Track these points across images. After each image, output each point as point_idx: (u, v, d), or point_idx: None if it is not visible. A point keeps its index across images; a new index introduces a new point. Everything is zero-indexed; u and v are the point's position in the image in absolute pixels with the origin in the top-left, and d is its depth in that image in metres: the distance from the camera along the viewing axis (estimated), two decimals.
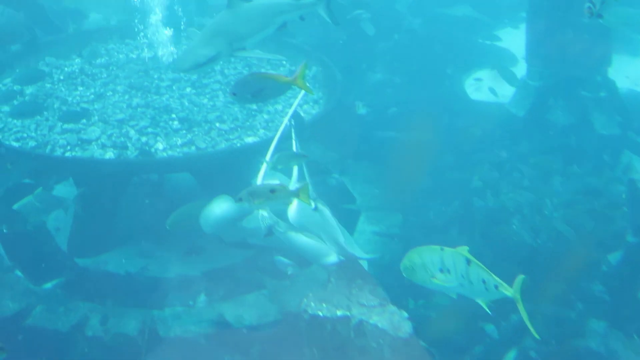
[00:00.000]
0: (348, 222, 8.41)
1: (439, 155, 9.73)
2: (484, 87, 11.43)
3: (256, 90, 6.24)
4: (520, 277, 5.20)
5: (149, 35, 9.67)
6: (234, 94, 6.41)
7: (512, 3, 13.73)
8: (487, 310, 5.34)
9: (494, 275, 5.19)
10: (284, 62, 9.96)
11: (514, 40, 12.65)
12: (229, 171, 8.01)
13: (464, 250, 5.28)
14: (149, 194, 8.65)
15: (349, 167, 9.69)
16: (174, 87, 9.21)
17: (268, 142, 7.95)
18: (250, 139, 8.22)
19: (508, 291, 5.17)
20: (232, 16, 7.16)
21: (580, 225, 8.37)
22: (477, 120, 10.21)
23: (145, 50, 9.99)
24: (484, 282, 5.21)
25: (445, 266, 5.29)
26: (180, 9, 10.24)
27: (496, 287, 5.18)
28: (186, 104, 8.83)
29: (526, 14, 10.70)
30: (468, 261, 5.21)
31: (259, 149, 7.90)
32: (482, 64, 12.26)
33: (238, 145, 8.12)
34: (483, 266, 5.21)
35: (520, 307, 5.20)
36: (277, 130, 8.19)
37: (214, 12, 12.20)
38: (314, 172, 8.14)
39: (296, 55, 9.95)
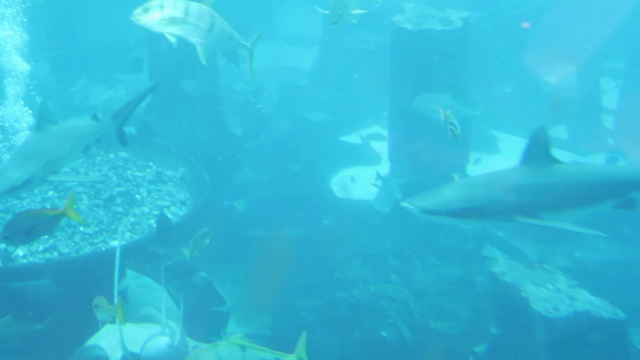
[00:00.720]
0: (217, 324, 8.29)
1: (306, 250, 9.79)
2: (350, 185, 11.68)
3: (29, 228, 6.01)
4: (303, 336, 5.55)
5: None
6: (6, 237, 6.07)
7: (374, 104, 14.22)
8: None
9: (271, 351, 5.52)
10: (151, 164, 9.92)
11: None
12: (94, 276, 7.77)
13: (237, 338, 5.56)
14: (9, 303, 8.26)
15: (218, 268, 9.57)
16: (35, 191, 8.96)
17: (135, 246, 7.84)
18: (116, 243, 8.05)
19: (289, 358, 5.53)
20: (41, 139, 7.02)
21: (453, 316, 8.54)
22: (344, 219, 10.37)
23: None
24: None
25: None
26: None
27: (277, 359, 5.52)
28: (47, 207, 8.60)
29: (388, 117, 11.05)
30: (243, 347, 5.46)
31: (126, 252, 7.74)
32: (348, 163, 12.55)
33: (103, 249, 7.94)
34: (258, 347, 5.51)
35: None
36: (142, 233, 8.11)
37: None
38: (179, 274, 8.05)
39: (164, 156, 9.96)
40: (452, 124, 7.02)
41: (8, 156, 7.24)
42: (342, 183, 11.82)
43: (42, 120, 7.16)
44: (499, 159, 11.96)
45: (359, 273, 9.34)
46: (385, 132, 11.61)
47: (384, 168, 11.28)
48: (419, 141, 10.34)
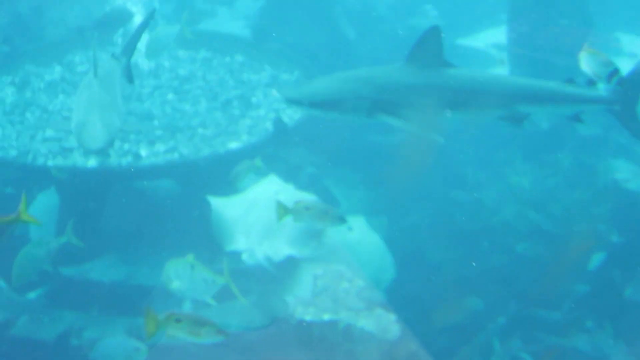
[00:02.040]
0: None
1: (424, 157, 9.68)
2: None
3: None
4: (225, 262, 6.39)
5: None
6: None
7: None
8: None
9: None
10: (266, 67, 9.94)
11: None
12: (212, 177, 7.95)
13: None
14: (132, 201, 8.56)
15: (335, 172, 9.59)
16: (155, 94, 9.15)
17: (252, 147, 7.95)
18: (233, 145, 8.16)
19: (221, 279, 6.28)
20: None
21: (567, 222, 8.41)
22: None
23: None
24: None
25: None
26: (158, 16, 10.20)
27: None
28: (168, 110, 8.76)
29: (507, 20, 10.67)
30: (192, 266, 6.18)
31: (243, 154, 7.87)
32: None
33: (222, 151, 8.06)
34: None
35: (233, 287, 6.37)
36: (259, 135, 8.21)
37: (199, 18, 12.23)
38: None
39: (278, 59, 9.95)
40: None
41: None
42: None
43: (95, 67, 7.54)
44: (625, 63, 11.39)
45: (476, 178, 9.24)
46: (503, 38, 11.20)
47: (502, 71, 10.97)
48: (538, 44, 10.00)
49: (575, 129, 9.45)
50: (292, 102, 6.28)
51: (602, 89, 5.84)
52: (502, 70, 10.87)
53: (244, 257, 7.45)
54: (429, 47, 5.82)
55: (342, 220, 6.36)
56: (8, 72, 9.65)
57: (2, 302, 7.63)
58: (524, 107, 5.98)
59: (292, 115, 8.68)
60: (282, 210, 6.46)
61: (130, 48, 8.19)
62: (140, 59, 9.56)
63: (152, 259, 8.00)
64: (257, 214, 7.63)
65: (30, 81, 9.46)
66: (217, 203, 7.69)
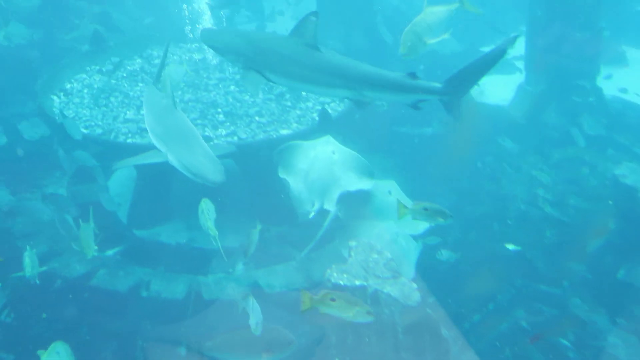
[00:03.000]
0: None
1: (449, 147, 9.68)
2: (487, 91, 11.34)
3: None
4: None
5: (198, 41, 9.72)
6: None
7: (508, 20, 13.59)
8: None
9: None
10: None
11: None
12: (265, 158, 8.05)
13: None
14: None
15: (367, 159, 9.64)
16: (220, 85, 9.25)
17: (301, 134, 8.02)
18: (284, 132, 8.25)
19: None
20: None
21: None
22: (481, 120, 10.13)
23: (196, 53, 10.03)
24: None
25: None
26: (224, 16, 10.26)
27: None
28: (230, 100, 8.87)
29: (525, 31, 10.57)
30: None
31: (292, 139, 7.99)
32: None
33: (274, 136, 8.16)
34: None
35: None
36: (307, 124, 8.28)
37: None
38: None
39: None
40: None
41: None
42: (478, 90, 11.48)
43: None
44: (630, 73, 11.23)
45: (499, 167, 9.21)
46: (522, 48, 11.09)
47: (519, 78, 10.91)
48: (553, 54, 9.90)
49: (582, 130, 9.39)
50: (202, 41, 6.82)
51: (435, 82, 6.07)
52: (520, 78, 10.82)
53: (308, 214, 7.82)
54: (306, 28, 6.12)
55: (450, 217, 6.37)
56: (96, 62, 9.82)
57: (84, 257, 7.81)
58: (368, 92, 6.17)
59: (335, 108, 8.73)
60: (403, 209, 6.47)
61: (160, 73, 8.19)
62: (209, 54, 9.66)
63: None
64: (317, 172, 7.96)
65: (114, 70, 9.62)
66: (287, 156, 8.07)
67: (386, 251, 7.60)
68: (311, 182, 7.90)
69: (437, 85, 6.00)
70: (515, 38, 6.15)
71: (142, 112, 7.73)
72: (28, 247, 6.72)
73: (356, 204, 8.28)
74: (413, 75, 6.06)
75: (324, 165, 7.95)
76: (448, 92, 6.05)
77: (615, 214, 8.01)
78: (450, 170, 9.34)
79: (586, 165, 9.11)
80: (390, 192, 8.50)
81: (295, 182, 7.94)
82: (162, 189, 8.28)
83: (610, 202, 8.05)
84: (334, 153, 8.07)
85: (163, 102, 7.12)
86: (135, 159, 7.04)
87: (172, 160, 6.67)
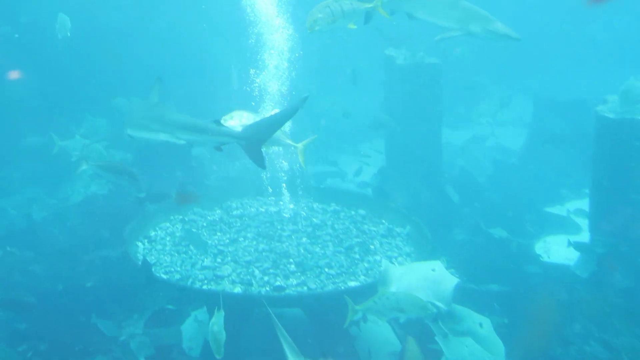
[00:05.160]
0: None
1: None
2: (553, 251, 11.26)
3: None
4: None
5: (275, 195, 10.10)
6: None
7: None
8: None
9: None
10: (383, 221, 10.12)
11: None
12: (334, 309, 8.05)
13: None
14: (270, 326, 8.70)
15: None
16: (293, 237, 9.48)
17: (368, 287, 8.02)
18: (352, 283, 8.32)
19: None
20: None
21: None
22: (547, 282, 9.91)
23: (272, 206, 10.37)
24: None
25: None
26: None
27: None
28: (302, 251, 9.05)
29: (589, 194, 10.59)
30: None
31: (361, 292, 7.97)
32: (550, 231, 12.12)
33: (342, 287, 8.22)
34: None
35: None
36: (374, 277, 8.28)
37: None
38: None
39: (394, 215, 10.14)
40: None
41: None
42: (544, 248, 11.41)
43: None
44: None
45: None
46: (586, 208, 11.07)
47: (585, 237, 10.81)
48: (619, 217, 9.83)
49: None
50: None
51: (236, 128, 7.62)
52: (585, 237, 10.72)
53: None
54: (153, 93, 7.79)
55: None
56: (179, 212, 10.25)
57: None
58: (184, 136, 7.57)
59: (402, 262, 8.78)
60: None
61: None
62: (284, 208, 9.98)
63: None
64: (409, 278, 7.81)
65: (195, 220, 10.02)
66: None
67: None
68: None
69: (237, 131, 7.40)
70: (306, 98, 7.14)
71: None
72: None
73: None
74: (217, 122, 7.42)
75: (417, 274, 7.71)
76: (245, 137, 7.35)
77: None
78: None
79: None
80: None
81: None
82: (232, 332, 8.29)
83: None
84: (434, 270, 7.74)
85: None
86: None
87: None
